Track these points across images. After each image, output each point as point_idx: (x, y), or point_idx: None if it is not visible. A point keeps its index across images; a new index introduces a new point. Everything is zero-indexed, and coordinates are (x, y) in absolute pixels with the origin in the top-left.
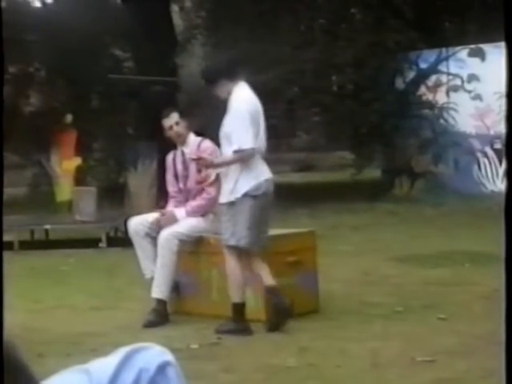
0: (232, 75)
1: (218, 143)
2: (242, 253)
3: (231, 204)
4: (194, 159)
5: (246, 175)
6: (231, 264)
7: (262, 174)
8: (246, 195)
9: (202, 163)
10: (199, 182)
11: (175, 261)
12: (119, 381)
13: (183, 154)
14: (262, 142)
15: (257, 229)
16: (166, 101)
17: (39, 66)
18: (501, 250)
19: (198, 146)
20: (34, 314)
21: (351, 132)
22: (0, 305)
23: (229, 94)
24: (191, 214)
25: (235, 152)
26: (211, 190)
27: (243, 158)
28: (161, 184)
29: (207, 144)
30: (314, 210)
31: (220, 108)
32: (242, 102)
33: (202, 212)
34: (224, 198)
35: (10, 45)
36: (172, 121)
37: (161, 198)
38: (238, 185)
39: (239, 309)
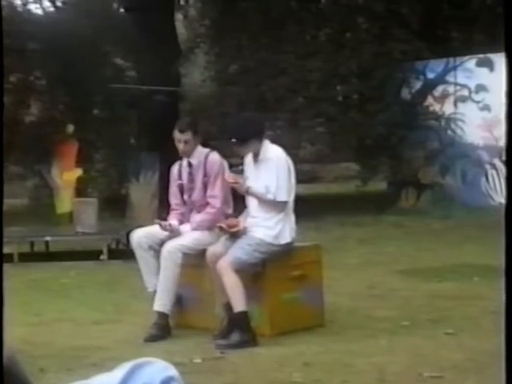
0: (261, 135)
1: (223, 154)
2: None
3: (268, 244)
4: (229, 182)
5: (288, 226)
6: (232, 274)
7: (293, 230)
8: (286, 245)
9: (237, 187)
10: (230, 227)
11: (178, 274)
12: None
13: (190, 165)
14: (293, 195)
15: None
16: (169, 110)
17: (40, 75)
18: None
19: (206, 157)
20: (34, 327)
21: (356, 143)
22: (0, 318)
23: (255, 151)
24: (196, 229)
25: (269, 200)
26: (216, 203)
27: (276, 208)
28: (163, 195)
29: (215, 156)
30: (319, 223)
31: (223, 117)
32: (282, 159)
33: (207, 227)
34: (261, 234)
35: (10, 53)
36: (186, 137)
37: (163, 209)
38: (282, 233)
39: (246, 317)
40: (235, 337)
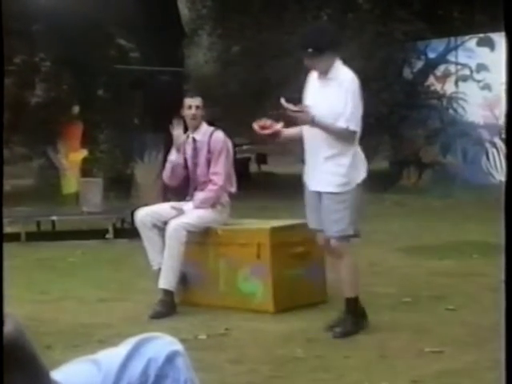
0: (336, 48)
1: (227, 134)
2: (345, 243)
3: (350, 191)
4: (294, 111)
5: (361, 159)
6: (350, 256)
7: (364, 158)
8: (360, 183)
9: (300, 117)
10: (262, 128)
11: (183, 252)
12: (128, 370)
13: (194, 140)
14: (360, 125)
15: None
16: (173, 91)
17: (44, 56)
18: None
19: (211, 135)
20: (41, 305)
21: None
22: (0, 300)
23: (325, 68)
24: (199, 207)
25: (339, 130)
26: (218, 180)
27: (346, 138)
28: None
29: (219, 134)
30: None
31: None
32: (357, 83)
33: (210, 204)
34: (342, 187)
35: (15, 35)
36: (195, 102)
37: (167, 188)
38: (359, 170)
39: (356, 303)
40: (346, 326)
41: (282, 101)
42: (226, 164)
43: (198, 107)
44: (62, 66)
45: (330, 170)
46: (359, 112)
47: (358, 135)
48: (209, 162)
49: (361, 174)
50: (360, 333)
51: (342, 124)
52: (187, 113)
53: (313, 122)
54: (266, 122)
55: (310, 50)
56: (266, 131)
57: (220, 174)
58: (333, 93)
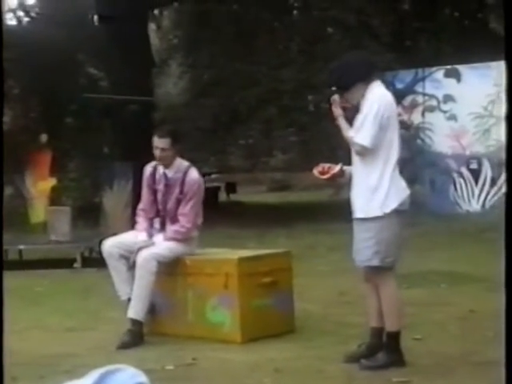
0: (368, 78)
1: (196, 165)
2: (377, 273)
3: (377, 219)
4: (332, 105)
5: (394, 188)
6: (387, 286)
7: (405, 189)
8: (395, 211)
9: (334, 111)
10: (322, 173)
11: (153, 282)
12: None
13: (166, 176)
14: (396, 151)
15: (397, 247)
16: (142, 120)
17: (13, 83)
18: (477, 270)
19: (185, 173)
20: (6, 335)
21: (328, 152)
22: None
23: (362, 96)
24: (169, 240)
25: (350, 141)
26: (186, 222)
27: (358, 151)
28: (136, 204)
29: (194, 174)
30: (291, 230)
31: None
32: (377, 101)
33: (179, 240)
34: (365, 213)
35: None
36: (161, 144)
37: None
38: (388, 199)
39: (397, 337)
40: (383, 357)
41: (334, 97)
42: (197, 205)
43: (164, 149)
44: (30, 93)
45: (358, 194)
46: (377, 130)
47: (386, 158)
48: (179, 201)
49: (391, 202)
50: (328, 363)
51: (351, 133)
52: (155, 152)
53: (337, 119)
54: (324, 166)
55: (333, 88)
56: (325, 176)
57: (189, 215)
58: (359, 115)
